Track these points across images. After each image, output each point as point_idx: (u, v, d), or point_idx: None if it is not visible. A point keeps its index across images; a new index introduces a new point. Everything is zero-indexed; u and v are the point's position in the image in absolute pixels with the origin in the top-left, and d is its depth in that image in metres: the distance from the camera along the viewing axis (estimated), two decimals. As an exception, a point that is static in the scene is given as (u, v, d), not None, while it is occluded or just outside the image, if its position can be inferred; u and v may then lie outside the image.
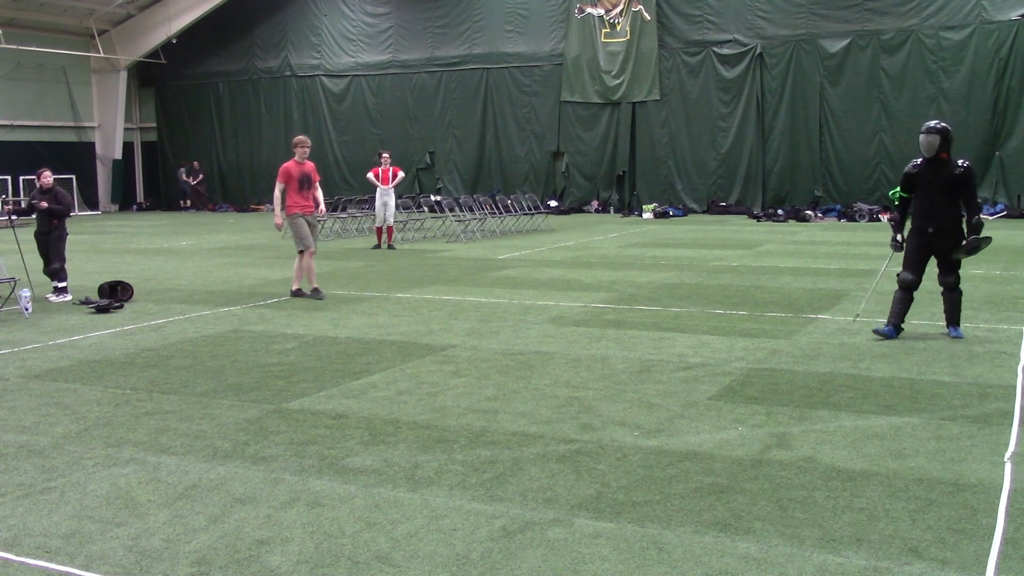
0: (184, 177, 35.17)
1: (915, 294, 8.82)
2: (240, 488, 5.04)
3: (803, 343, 8.63)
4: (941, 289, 8.86)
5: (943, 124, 8.66)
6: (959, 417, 6.15)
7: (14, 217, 14.13)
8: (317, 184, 12.46)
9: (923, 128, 8.69)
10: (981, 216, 8.71)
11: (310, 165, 12.38)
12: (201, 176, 35.36)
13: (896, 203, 8.97)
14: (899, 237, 8.95)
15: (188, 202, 35.36)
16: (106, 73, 35.06)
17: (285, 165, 12.26)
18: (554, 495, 4.85)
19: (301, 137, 12.67)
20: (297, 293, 12.16)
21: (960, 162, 8.58)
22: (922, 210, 8.73)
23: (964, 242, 8.64)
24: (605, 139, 29.42)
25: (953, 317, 8.83)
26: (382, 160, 19.03)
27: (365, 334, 9.49)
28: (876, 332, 8.78)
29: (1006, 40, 24.22)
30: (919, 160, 8.71)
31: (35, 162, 28.81)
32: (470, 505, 4.74)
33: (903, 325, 8.81)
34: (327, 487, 5.03)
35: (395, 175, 19.03)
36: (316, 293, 12.12)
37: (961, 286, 8.83)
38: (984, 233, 8.69)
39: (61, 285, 12.28)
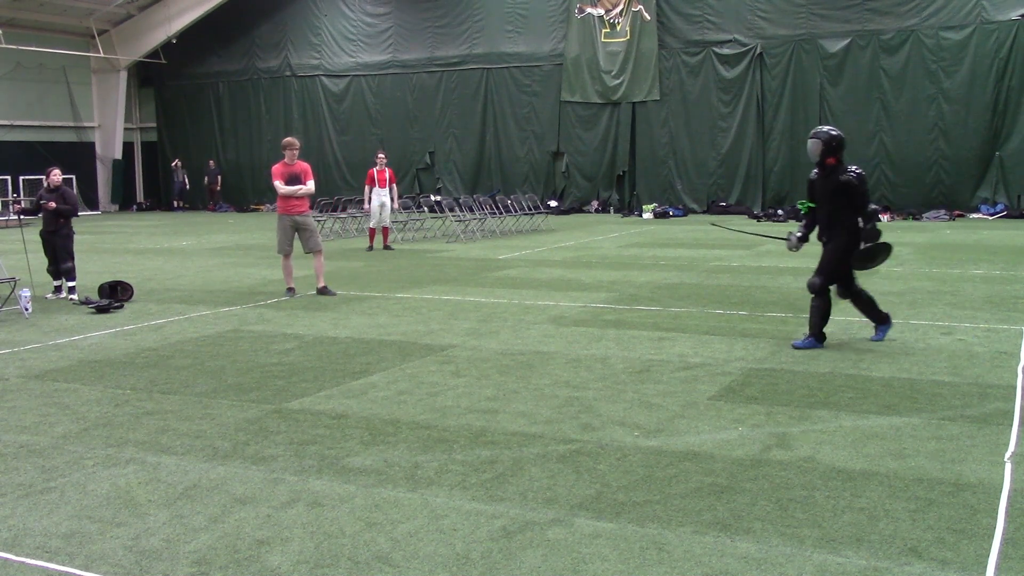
0: (206, 182, 35.05)
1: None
2: (240, 488, 5.04)
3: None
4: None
5: (829, 130, 8.37)
6: (959, 417, 6.15)
7: (22, 217, 14.17)
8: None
9: (810, 133, 8.48)
10: (877, 224, 8.34)
11: (301, 166, 12.34)
12: (218, 176, 35.33)
13: (805, 213, 8.59)
14: (798, 233, 8.55)
15: (211, 204, 35.16)
16: (106, 73, 35.06)
17: (274, 167, 12.40)
18: (554, 495, 4.85)
19: (289, 139, 12.72)
20: (290, 291, 12.30)
21: (851, 169, 8.26)
22: (818, 219, 8.45)
23: (859, 248, 8.32)
24: (605, 139, 29.41)
25: (873, 317, 8.62)
26: (377, 161, 18.99)
27: (365, 334, 9.49)
28: (795, 346, 8.37)
29: (1006, 40, 24.21)
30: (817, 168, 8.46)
31: (35, 162, 28.99)
32: (470, 505, 4.74)
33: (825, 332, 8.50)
34: (327, 487, 5.03)
35: (391, 178, 18.97)
36: (324, 291, 12.28)
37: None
38: (885, 240, 8.37)
39: (71, 284, 12.32)
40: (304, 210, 12.44)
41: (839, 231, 8.31)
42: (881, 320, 8.71)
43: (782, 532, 4.34)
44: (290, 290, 12.33)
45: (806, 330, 8.57)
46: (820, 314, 8.40)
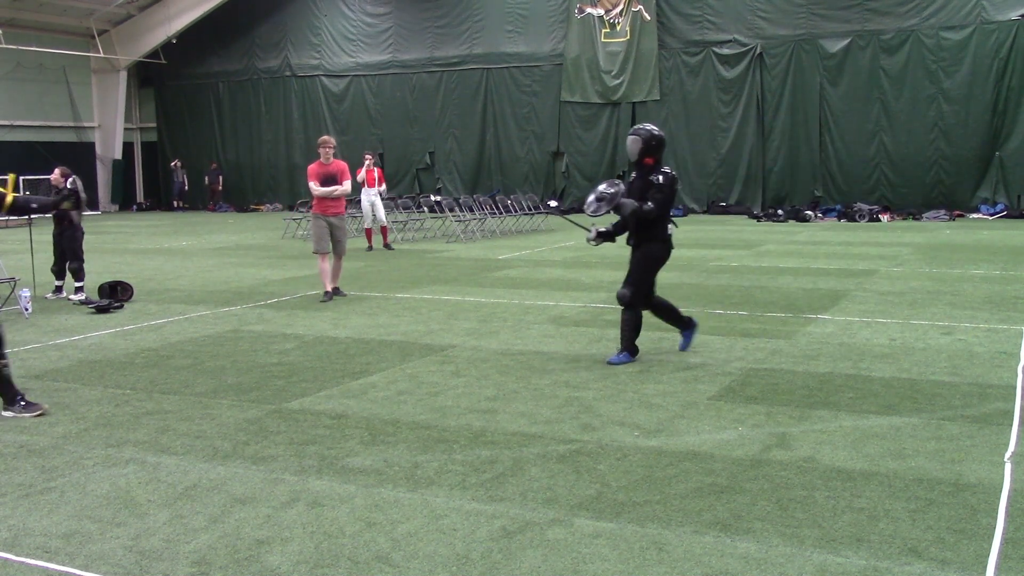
0: (207, 183, 35.09)
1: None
2: (240, 488, 5.04)
3: (803, 343, 8.62)
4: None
5: (651, 128, 7.93)
6: (959, 417, 6.15)
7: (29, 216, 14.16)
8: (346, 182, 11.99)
9: (630, 130, 8.08)
10: (645, 211, 7.68)
11: (338, 165, 12.00)
12: (219, 176, 35.33)
13: None
14: (601, 228, 8.02)
15: (211, 204, 35.18)
16: (106, 73, 35.06)
17: (309, 167, 12.12)
18: (554, 495, 4.85)
19: (324, 137, 12.40)
20: (327, 295, 11.82)
21: (664, 170, 7.80)
22: (629, 222, 7.94)
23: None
24: (605, 139, 29.42)
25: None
26: (365, 160, 18.97)
27: (365, 334, 9.49)
28: (610, 363, 7.87)
29: (1006, 40, 24.21)
30: None
31: (35, 162, 28.94)
32: (470, 505, 4.74)
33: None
34: (327, 487, 5.03)
35: (379, 178, 18.92)
36: (336, 292, 11.98)
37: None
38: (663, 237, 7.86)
39: (78, 284, 12.21)
40: (340, 211, 12.02)
41: (649, 236, 7.89)
42: (686, 325, 8.30)
43: (782, 532, 4.34)
44: (327, 294, 11.82)
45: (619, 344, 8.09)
46: (632, 327, 7.92)
